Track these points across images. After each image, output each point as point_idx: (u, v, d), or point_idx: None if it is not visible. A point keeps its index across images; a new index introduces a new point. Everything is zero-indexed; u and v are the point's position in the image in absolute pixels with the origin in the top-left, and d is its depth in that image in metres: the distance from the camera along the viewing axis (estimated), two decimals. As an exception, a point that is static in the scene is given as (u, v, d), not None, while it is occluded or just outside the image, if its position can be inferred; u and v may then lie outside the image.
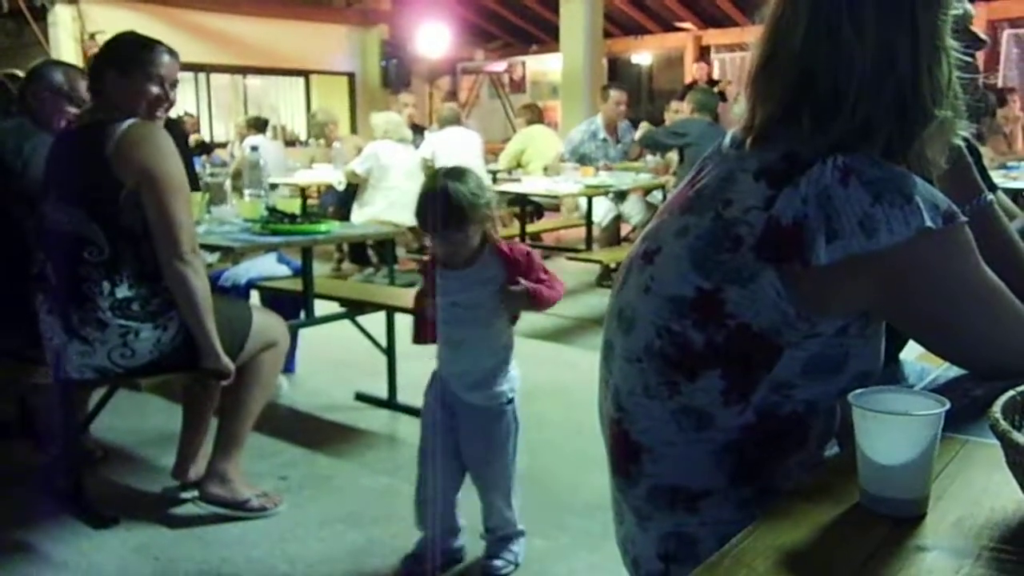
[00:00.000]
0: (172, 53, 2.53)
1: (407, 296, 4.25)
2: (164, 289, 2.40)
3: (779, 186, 1.04)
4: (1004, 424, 0.81)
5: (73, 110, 2.83)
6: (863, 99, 1.05)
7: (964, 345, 1.11)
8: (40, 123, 2.82)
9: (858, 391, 0.89)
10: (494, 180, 7.42)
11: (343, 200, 6.40)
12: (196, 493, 2.69)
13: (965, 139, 1.18)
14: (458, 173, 2.12)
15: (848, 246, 0.99)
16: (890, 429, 0.85)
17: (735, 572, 0.78)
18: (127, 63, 2.45)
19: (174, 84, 2.52)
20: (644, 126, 6.34)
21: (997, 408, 0.84)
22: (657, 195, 6.46)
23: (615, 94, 6.62)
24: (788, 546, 0.83)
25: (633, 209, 6.26)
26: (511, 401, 2.31)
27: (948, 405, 0.85)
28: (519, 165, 7.49)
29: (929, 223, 0.99)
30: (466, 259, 2.16)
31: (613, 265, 5.63)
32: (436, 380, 2.34)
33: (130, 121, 2.38)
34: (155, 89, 2.45)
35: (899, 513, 0.85)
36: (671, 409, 1.12)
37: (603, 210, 6.16)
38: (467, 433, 2.30)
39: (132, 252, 2.38)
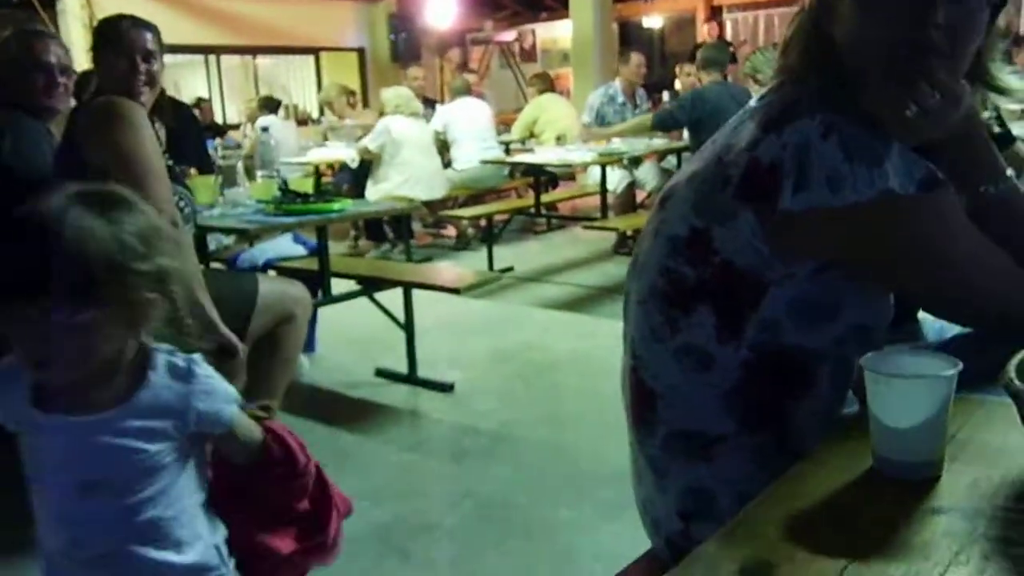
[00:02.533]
0: (144, 25, 2.46)
1: (424, 272, 4.28)
2: None
3: (767, 130, 1.06)
4: (1018, 383, 0.80)
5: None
6: (861, 59, 1.06)
7: (932, 302, 1.17)
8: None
9: (871, 354, 0.89)
10: (507, 151, 7.39)
11: (357, 177, 6.40)
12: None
13: (998, 118, 1.17)
14: (108, 201, 1.04)
15: (812, 198, 1.01)
16: (901, 392, 0.84)
17: (748, 539, 0.78)
18: (99, 42, 2.46)
19: (148, 56, 2.43)
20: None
21: (1011, 367, 0.83)
22: (672, 160, 6.41)
23: (636, 57, 6.56)
24: (801, 512, 0.83)
25: (648, 175, 6.22)
26: None
27: (960, 366, 0.85)
28: (532, 135, 7.45)
29: (895, 187, 1.00)
30: (96, 380, 1.06)
31: (629, 232, 5.61)
32: None
33: (102, 98, 2.36)
34: (123, 62, 2.39)
35: (913, 476, 0.85)
36: (673, 349, 1.15)
37: (617, 177, 6.12)
38: None
39: None
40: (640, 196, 6.39)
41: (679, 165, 6.22)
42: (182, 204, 2.48)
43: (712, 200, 1.10)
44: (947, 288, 1.10)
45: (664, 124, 5.69)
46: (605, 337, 4.03)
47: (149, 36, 2.46)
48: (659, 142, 6.19)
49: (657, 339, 1.17)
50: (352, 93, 7.69)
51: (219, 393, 1.11)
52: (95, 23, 8.86)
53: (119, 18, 2.48)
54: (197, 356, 1.12)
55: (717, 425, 1.15)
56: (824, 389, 1.14)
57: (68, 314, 0.96)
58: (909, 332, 1.41)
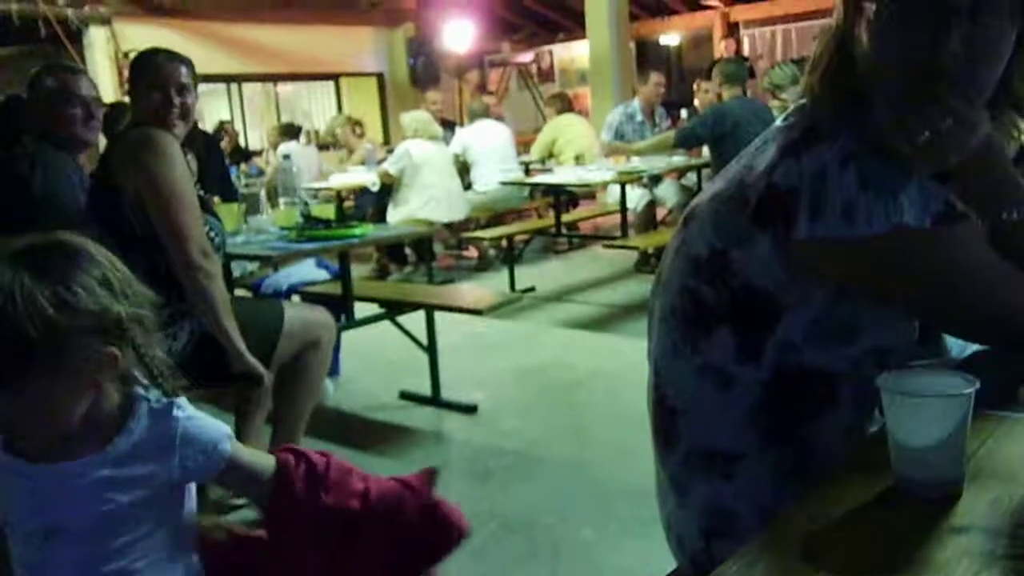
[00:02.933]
0: (179, 59, 2.53)
1: (446, 294, 4.31)
2: (176, 299, 2.34)
3: (785, 155, 1.07)
4: (1036, 401, 0.81)
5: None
6: (876, 83, 1.06)
7: (949, 327, 1.18)
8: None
9: (888, 373, 0.89)
10: (527, 172, 7.43)
11: (379, 201, 6.46)
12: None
13: None
14: (71, 257, 0.96)
15: (827, 228, 1.02)
16: (919, 411, 0.85)
17: (769, 563, 0.79)
18: (134, 75, 2.54)
19: (182, 89, 2.49)
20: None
21: (1029, 384, 0.84)
22: (692, 177, 6.41)
23: (655, 76, 6.59)
24: (821, 532, 0.83)
25: (668, 192, 6.22)
26: None
27: (978, 384, 0.85)
28: (551, 155, 7.48)
29: (908, 221, 1.01)
30: (78, 432, 1.00)
31: (650, 251, 5.61)
32: None
33: (136, 130, 2.42)
34: (157, 95, 2.45)
35: (933, 495, 0.85)
36: (695, 366, 1.16)
37: (636, 196, 6.13)
38: None
39: (145, 262, 2.38)
40: (661, 213, 6.40)
41: (699, 182, 6.22)
42: (212, 234, 2.52)
43: (731, 222, 1.11)
44: (961, 316, 1.11)
45: (686, 141, 5.67)
46: (628, 355, 4.03)
47: (184, 70, 2.52)
48: (678, 159, 6.20)
49: (678, 356, 1.18)
50: (358, 123, 7.78)
51: (206, 431, 1.04)
52: (121, 56, 9.04)
53: (154, 52, 2.55)
54: (180, 400, 1.05)
55: (738, 443, 1.16)
56: (846, 409, 1.14)
57: (12, 391, 0.90)
58: (933, 349, 1.41)
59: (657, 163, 5.99)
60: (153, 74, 2.48)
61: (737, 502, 1.17)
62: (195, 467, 1.03)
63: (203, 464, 1.03)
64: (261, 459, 1.10)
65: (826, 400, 1.13)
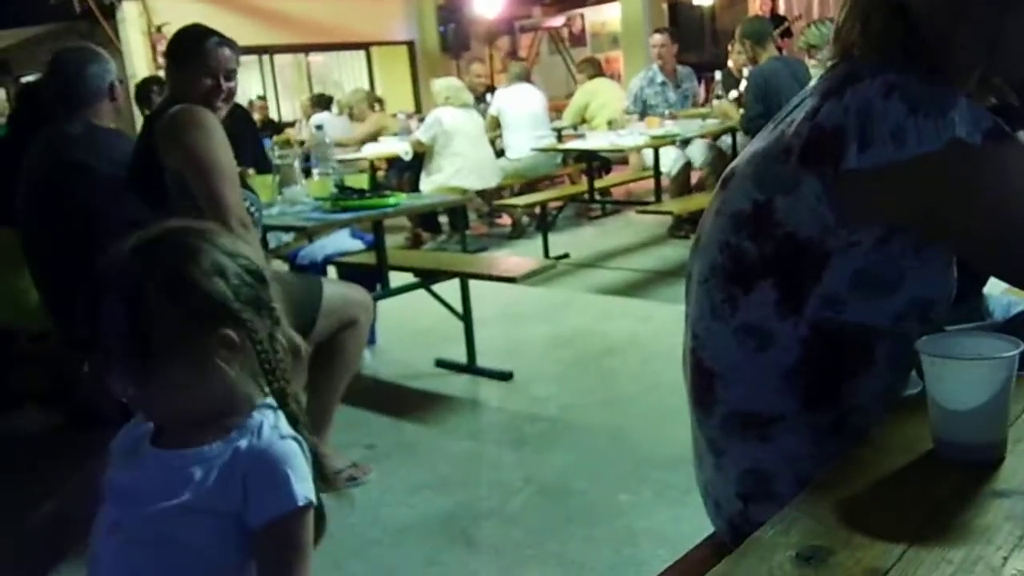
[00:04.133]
0: (228, 44, 2.55)
1: (480, 262, 4.31)
2: None
3: (827, 98, 1.08)
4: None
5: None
6: (933, 38, 1.07)
7: (1000, 261, 1.11)
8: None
9: (927, 337, 0.88)
10: (559, 138, 7.38)
11: (412, 170, 6.46)
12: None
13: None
14: (182, 247, 0.99)
15: (877, 155, 1.01)
16: (960, 374, 0.84)
17: (805, 525, 0.79)
18: (182, 56, 2.53)
19: (230, 75, 2.54)
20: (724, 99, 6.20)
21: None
22: (727, 140, 6.32)
23: (657, 37, 6.54)
24: (859, 496, 0.83)
25: (697, 152, 6.14)
26: None
27: (1022, 347, 0.83)
28: (584, 120, 7.42)
29: (962, 135, 1.00)
30: (184, 420, 1.02)
31: (684, 215, 5.55)
32: None
33: (178, 106, 2.44)
34: (208, 81, 2.48)
35: (974, 458, 0.84)
36: (733, 328, 1.16)
37: (671, 158, 6.05)
38: None
39: None
40: (694, 177, 6.33)
41: (733, 145, 6.13)
42: (252, 208, 2.55)
43: (774, 172, 1.11)
44: (1013, 243, 1.07)
45: (755, 124, 5.34)
46: (662, 320, 4.02)
47: (232, 54, 2.55)
48: (712, 123, 6.11)
49: (717, 318, 1.18)
50: (378, 100, 7.79)
51: (281, 484, 0.96)
52: (154, 30, 9.08)
53: (204, 34, 2.55)
54: (293, 441, 1.00)
55: (776, 405, 1.15)
56: (883, 368, 1.13)
57: (135, 366, 0.93)
58: (973, 308, 1.39)
59: (691, 127, 5.91)
60: (204, 60, 2.49)
61: (774, 465, 1.16)
62: (251, 506, 0.96)
63: (256, 508, 0.96)
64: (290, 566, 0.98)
65: (864, 359, 1.12)
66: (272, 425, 1.00)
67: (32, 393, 3.46)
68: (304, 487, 0.97)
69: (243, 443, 0.97)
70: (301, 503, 0.96)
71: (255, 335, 0.99)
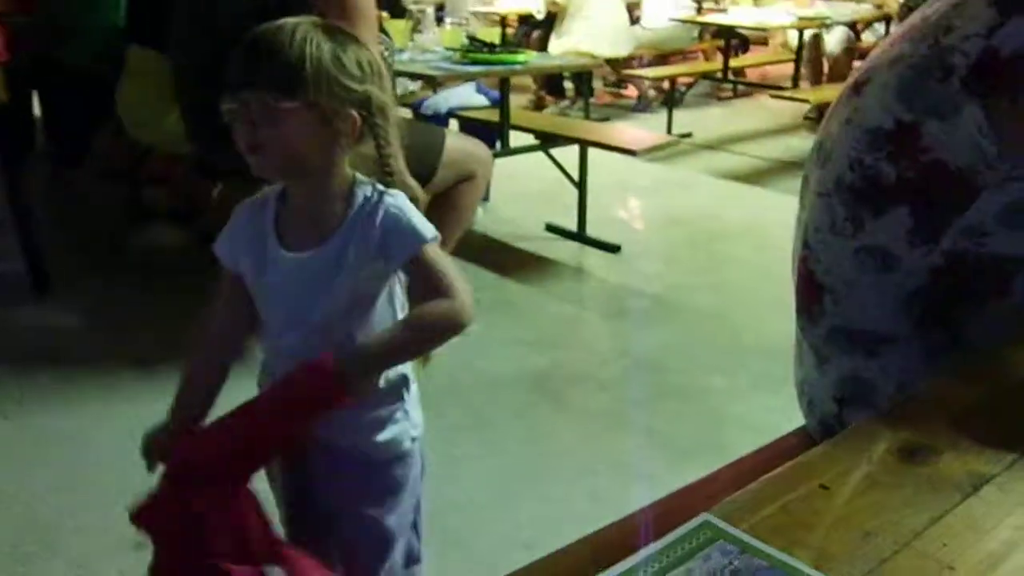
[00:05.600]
0: None
1: (602, 131, 4.25)
2: None
3: (1009, 13, 0.96)
4: None
5: None
6: None
7: None
8: None
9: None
10: (699, 10, 7.04)
11: (543, 29, 6.31)
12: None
13: None
14: (339, 31, 1.12)
15: None
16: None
17: (912, 422, 0.79)
18: None
19: None
20: None
21: None
22: (879, 28, 5.91)
23: None
24: (971, 404, 0.82)
25: (834, 38, 5.76)
26: (406, 454, 1.23)
27: None
28: (728, -7, 7.04)
29: None
30: (312, 208, 1.13)
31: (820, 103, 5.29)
32: None
33: None
34: None
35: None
36: (854, 247, 1.10)
37: (836, 37, 5.64)
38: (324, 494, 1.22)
39: None
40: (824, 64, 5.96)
41: (886, 36, 5.74)
42: (385, 52, 2.55)
43: (927, 90, 1.01)
44: None
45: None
46: (780, 212, 3.89)
47: None
48: (866, 8, 5.71)
49: (836, 234, 1.12)
50: None
51: (411, 220, 1.11)
52: None
53: None
54: (394, 191, 1.14)
55: (889, 326, 1.11)
56: (1013, 297, 1.07)
57: (275, 99, 1.04)
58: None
59: (843, 10, 5.54)
60: None
61: (879, 375, 1.14)
62: (394, 249, 1.10)
63: (399, 246, 1.10)
64: (445, 278, 1.10)
65: (998, 289, 1.07)
66: (378, 190, 1.13)
67: (162, 212, 3.67)
68: (427, 226, 1.12)
69: (365, 207, 1.11)
70: (431, 237, 1.11)
71: (378, 130, 1.11)
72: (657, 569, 0.58)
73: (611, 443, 2.25)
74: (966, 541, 0.61)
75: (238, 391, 1.15)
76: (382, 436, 1.19)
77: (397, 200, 1.12)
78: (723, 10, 6.60)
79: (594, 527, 1.10)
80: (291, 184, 1.14)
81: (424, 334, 1.10)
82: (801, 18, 5.39)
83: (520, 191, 4.24)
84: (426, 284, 1.10)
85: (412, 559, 1.29)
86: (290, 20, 1.09)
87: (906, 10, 4.84)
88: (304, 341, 1.11)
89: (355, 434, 1.18)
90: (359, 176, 1.14)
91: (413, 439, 1.23)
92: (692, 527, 0.61)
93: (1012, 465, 0.71)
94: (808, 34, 5.70)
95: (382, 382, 1.16)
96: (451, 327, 1.09)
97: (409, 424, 1.22)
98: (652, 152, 3.68)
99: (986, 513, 0.65)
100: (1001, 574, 0.58)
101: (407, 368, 1.21)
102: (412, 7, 3.69)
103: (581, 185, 3.68)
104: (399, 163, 1.16)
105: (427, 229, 1.12)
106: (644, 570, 0.58)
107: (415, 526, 1.29)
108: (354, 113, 1.08)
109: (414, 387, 1.23)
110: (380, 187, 1.13)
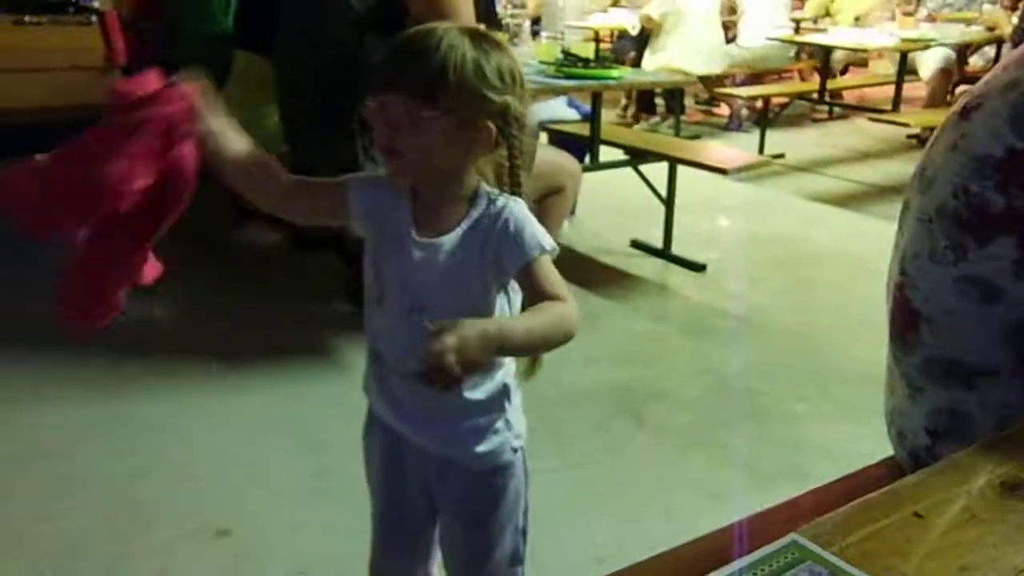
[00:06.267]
0: None
1: (692, 148, 4.21)
2: None
3: None
4: None
5: None
6: None
7: None
8: None
9: None
10: (797, 30, 6.92)
11: (637, 46, 6.30)
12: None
13: None
14: (484, 37, 1.11)
15: None
16: None
17: (1015, 456, 0.76)
18: None
19: None
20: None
21: None
22: (989, 52, 5.71)
23: None
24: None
25: (931, 59, 5.56)
26: (508, 465, 1.23)
27: None
28: (827, 13, 6.89)
29: None
30: (440, 203, 1.14)
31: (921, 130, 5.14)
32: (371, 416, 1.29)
33: None
34: None
35: None
36: (955, 276, 1.07)
37: (936, 58, 5.46)
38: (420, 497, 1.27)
39: None
40: (923, 89, 5.75)
41: (996, 60, 5.54)
42: None
43: None
44: None
45: None
46: (873, 238, 3.80)
47: None
48: (976, 30, 5.52)
49: (936, 262, 1.09)
50: None
51: (528, 227, 1.10)
52: None
53: None
54: (518, 199, 1.13)
55: (989, 358, 1.08)
56: None
57: (415, 106, 1.04)
58: None
59: (950, 32, 5.37)
60: None
61: (976, 408, 1.10)
62: (507, 256, 1.09)
63: (513, 255, 1.09)
64: (558, 288, 1.09)
65: None
66: (501, 196, 1.13)
67: (259, 211, 3.79)
68: (545, 237, 1.10)
69: (489, 210, 1.11)
70: (548, 248, 1.09)
71: (513, 140, 1.11)
72: (743, 585, 0.57)
73: (689, 462, 2.23)
74: (1069, 581, 0.59)
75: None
76: (482, 447, 1.19)
77: (519, 208, 1.12)
78: (822, 30, 6.47)
79: (666, 546, 1.10)
80: (421, 185, 1.14)
81: (547, 329, 1.07)
82: (904, 39, 5.24)
83: (607, 206, 4.23)
84: (539, 293, 1.08)
85: (516, 559, 1.30)
86: (441, 25, 1.09)
87: (1021, 32, 4.67)
88: (411, 328, 1.10)
89: (453, 445, 1.19)
90: (483, 184, 1.14)
91: (515, 449, 1.22)
92: (780, 546, 0.60)
93: (1123, 507, 0.68)
94: (934, 54, 5.51)
95: (482, 393, 1.16)
96: (566, 330, 1.07)
97: (511, 434, 1.21)
98: (743, 172, 3.62)
99: (1091, 554, 0.62)
100: (1106, 617, 0.56)
101: (508, 377, 1.20)
102: (509, 20, 3.73)
103: (669, 202, 3.66)
104: (526, 176, 1.15)
105: (545, 240, 1.10)
106: (730, 586, 0.57)
107: (523, 531, 1.28)
108: (491, 124, 1.07)
109: (517, 397, 1.22)
110: (503, 195, 1.13)
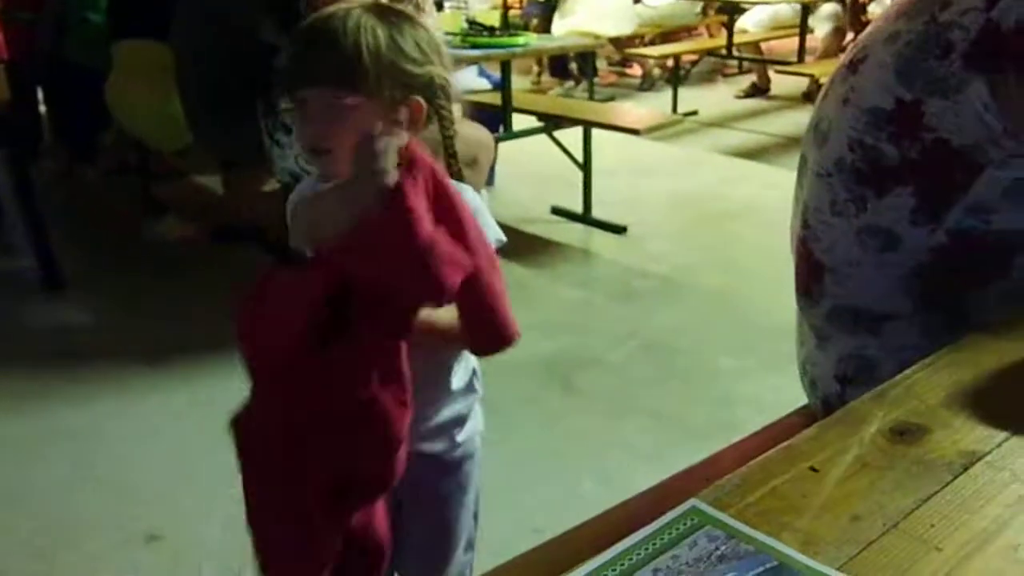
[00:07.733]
0: None
1: (606, 111, 4.23)
2: None
3: None
4: None
5: None
6: None
7: None
8: None
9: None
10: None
11: (545, 11, 6.27)
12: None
13: None
14: (394, 13, 1.04)
15: None
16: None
17: (905, 401, 0.79)
18: None
19: None
20: None
21: None
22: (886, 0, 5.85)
23: None
24: (965, 382, 0.81)
25: (823, 16, 5.72)
26: (476, 451, 1.26)
27: None
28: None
29: None
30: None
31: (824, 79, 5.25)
32: None
33: None
34: None
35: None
36: (856, 227, 1.09)
37: (823, 14, 5.61)
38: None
39: None
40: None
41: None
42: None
43: (926, 68, 0.99)
44: None
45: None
46: (787, 190, 3.81)
47: None
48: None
49: (837, 214, 1.11)
50: None
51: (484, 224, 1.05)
52: None
53: None
54: (466, 187, 1.08)
55: (890, 304, 1.11)
56: (1015, 277, 1.06)
57: (336, 96, 0.97)
58: None
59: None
60: None
61: (880, 352, 1.14)
62: None
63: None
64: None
65: (1000, 268, 1.06)
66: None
67: (174, 205, 3.69)
68: (495, 228, 1.08)
69: None
70: (495, 240, 1.06)
71: (442, 111, 1.04)
72: (644, 556, 0.58)
73: (621, 426, 2.26)
74: (954, 521, 0.61)
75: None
76: (461, 436, 1.20)
77: (472, 197, 1.06)
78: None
79: (603, 509, 1.11)
80: None
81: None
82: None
83: (525, 174, 4.23)
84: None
85: (470, 545, 1.31)
86: (341, 7, 1.01)
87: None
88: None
89: (438, 436, 1.17)
90: None
91: (480, 434, 1.24)
92: (679, 513, 0.61)
93: (1003, 443, 0.70)
94: (823, 10, 5.64)
95: (457, 382, 1.16)
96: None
97: (478, 421, 1.23)
98: (657, 131, 3.66)
99: (975, 492, 0.65)
100: (989, 554, 0.58)
101: (474, 360, 1.19)
102: (411, -8, 3.67)
103: (586, 167, 3.67)
104: (455, 141, 1.10)
105: (495, 232, 1.07)
106: (632, 556, 0.58)
107: (475, 515, 1.30)
108: (418, 98, 1.02)
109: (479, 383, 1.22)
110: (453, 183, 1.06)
